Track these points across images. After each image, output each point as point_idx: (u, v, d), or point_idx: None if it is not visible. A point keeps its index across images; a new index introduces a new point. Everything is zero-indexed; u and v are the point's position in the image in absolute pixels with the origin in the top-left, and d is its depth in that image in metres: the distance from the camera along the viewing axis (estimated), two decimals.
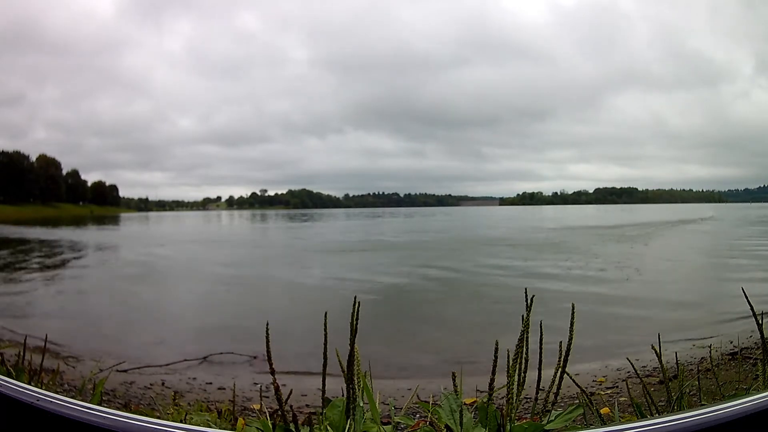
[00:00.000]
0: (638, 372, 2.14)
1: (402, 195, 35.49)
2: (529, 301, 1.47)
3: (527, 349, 1.46)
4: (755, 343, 3.12)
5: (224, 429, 1.85)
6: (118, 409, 1.70)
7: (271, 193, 35.11)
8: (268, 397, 2.34)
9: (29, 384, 1.44)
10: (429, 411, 1.57)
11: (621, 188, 33.45)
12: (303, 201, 35.48)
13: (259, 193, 34.81)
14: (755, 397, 0.98)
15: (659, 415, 1.67)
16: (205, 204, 34.44)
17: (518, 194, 34.85)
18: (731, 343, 3.41)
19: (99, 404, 1.34)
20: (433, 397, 1.85)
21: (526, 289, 1.48)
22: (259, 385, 3.06)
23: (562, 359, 1.51)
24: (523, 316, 1.44)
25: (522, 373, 1.44)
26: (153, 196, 34.07)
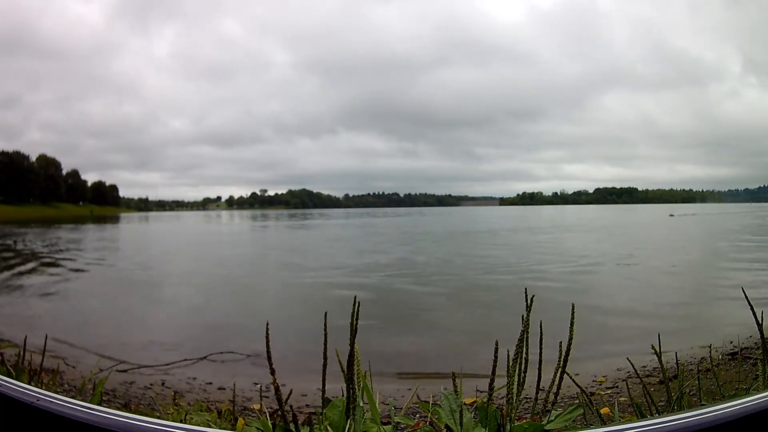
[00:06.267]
0: (638, 372, 2.14)
1: (402, 195, 35.57)
2: (529, 301, 1.47)
3: (527, 349, 1.46)
4: (755, 343, 3.12)
5: (224, 429, 1.85)
6: (118, 409, 1.70)
7: (271, 193, 35.21)
8: (268, 397, 2.34)
9: (29, 384, 1.43)
10: (429, 411, 1.57)
11: (621, 188, 33.47)
12: (303, 201, 35.52)
13: (259, 193, 34.88)
14: (755, 397, 0.98)
15: (659, 415, 1.67)
16: (205, 204, 34.49)
17: (518, 194, 34.88)
18: (731, 343, 3.41)
19: (99, 404, 1.33)
20: (433, 397, 1.85)
21: (526, 289, 1.47)
22: (259, 385, 3.06)
23: (562, 359, 1.51)
24: (523, 316, 1.44)
25: (522, 373, 1.44)
26: (153, 196, 34.18)
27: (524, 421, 1.47)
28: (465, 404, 1.52)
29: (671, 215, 27.87)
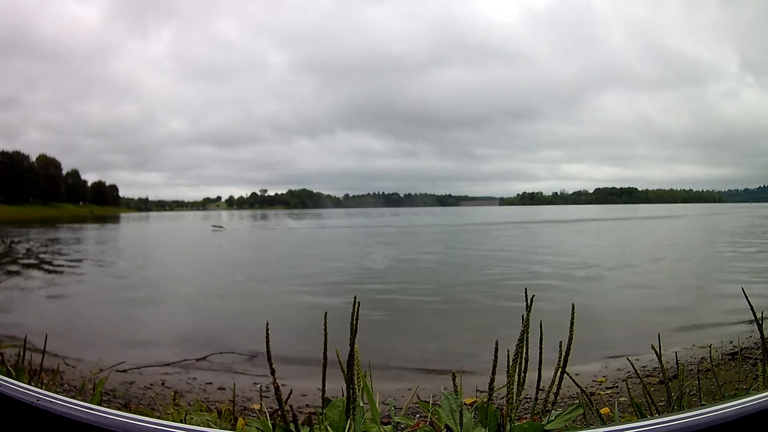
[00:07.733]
0: (638, 372, 2.14)
1: (402, 195, 35.69)
2: (529, 301, 1.47)
3: (527, 349, 1.45)
4: (755, 343, 3.12)
5: (224, 429, 1.85)
6: (118, 409, 1.70)
7: (271, 193, 35.34)
8: (268, 397, 2.34)
9: (29, 384, 1.43)
10: (429, 411, 1.57)
11: (621, 188, 33.52)
12: (303, 201, 35.61)
13: (259, 193, 34.99)
14: (755, 397, 0.98)
15: (659, 415, 1.67)
16: (205, 204, 34.60)
17: (518, 194, 34.95)
18: (731, 343, 3.41)
19: (99, 404, 1.33)
20: (433, 397, 1.85)
21: (526, 289, 1.47)
22: (259, 385, 3.06)
23: (562, 359, 1.51)
24: (523, 315, 1.44)
25: (522, 373, 1.44)
26: (153, 196, 34.31)
27: (524, 421, 1.47)
28: (465, 404, 1.52)
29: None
